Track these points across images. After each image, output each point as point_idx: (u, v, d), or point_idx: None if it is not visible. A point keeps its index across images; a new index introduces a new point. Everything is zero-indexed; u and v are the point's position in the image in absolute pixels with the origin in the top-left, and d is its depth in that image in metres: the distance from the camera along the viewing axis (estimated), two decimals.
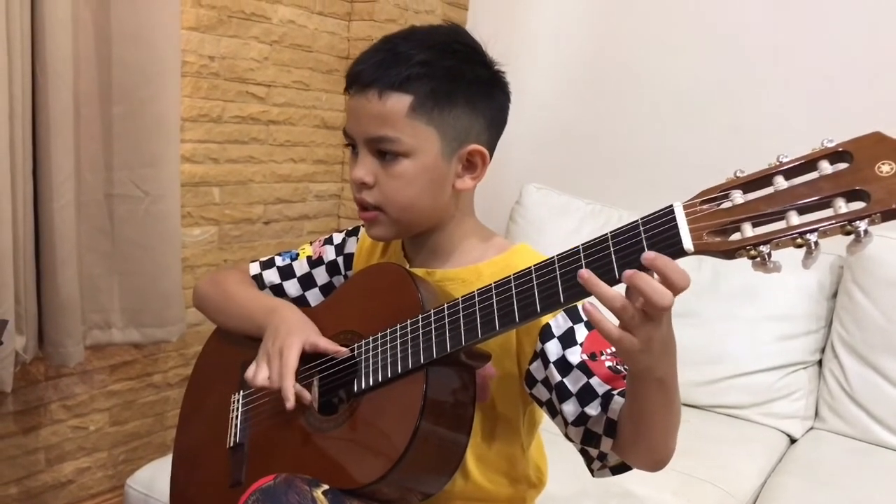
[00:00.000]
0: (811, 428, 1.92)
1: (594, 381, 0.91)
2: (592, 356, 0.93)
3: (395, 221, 1.00)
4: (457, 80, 0.96)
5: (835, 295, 1.93)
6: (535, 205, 2.26)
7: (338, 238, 1.20)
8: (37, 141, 1.49)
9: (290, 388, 0.95)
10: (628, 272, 0.73)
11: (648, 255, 0.73)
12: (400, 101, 0.94)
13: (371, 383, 0.94)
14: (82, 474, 1.87)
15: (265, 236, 2.15)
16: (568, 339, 0.94)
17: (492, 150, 1.04)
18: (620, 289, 0.76)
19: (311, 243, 1.23)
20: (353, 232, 1.19)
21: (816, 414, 1.93)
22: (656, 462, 0.91)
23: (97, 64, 1.57)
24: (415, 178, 0.97)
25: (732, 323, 1.93)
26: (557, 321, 0.95)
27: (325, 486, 0.87)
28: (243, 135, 2.03)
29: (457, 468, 0.94)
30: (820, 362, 1.96)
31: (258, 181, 2.10)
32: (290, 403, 0.95)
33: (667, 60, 2.28)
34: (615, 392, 0.90)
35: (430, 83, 0.94)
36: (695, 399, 1.93)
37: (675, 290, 0.73)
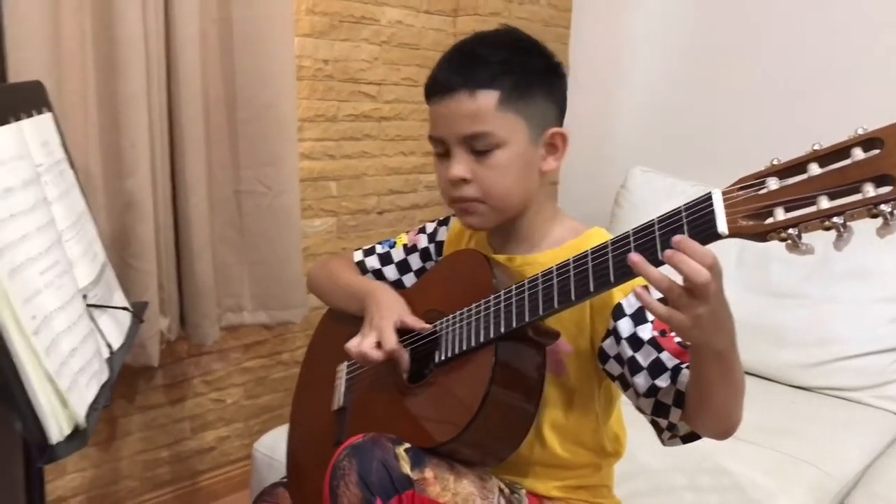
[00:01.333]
0: None
1: (664, 355, 0.98)
2: (662, 333, 1.00)
3: (494, 209, 1.08)
4: (532, 73, 1.06)
5: None
6: (639, 188, 2.29)
7: (430, 227, 1.31)
8: (173, 146, 1.69)
9: (401, 354, 1.08)
10: (668, 252, 0.80)
11: (675, 238, 0.79)
12: (489, 97, 1.03)
13: (449, 355, 1.04)
14: (222, 442, 2.09)
15: (379, 225, 2.30)
16: (639, 317, 1.01)
17: None
18: (669, 272, 0.82)
19: (406, 232, 1.35)
20: (444, 221, 1.30)
21: None
22: (723, 431, 0.96)
23: (222, 75, 1.75)
24: (510, 166, 1.06)
25: (840, 304, 1.90)
26: (629, 300, 1.02)
27: (407, 445, 0.98)
28: (357, 132, 2.18)
29: (526, 434, 1.03)
30: None
31: (371, 174, 2.25)
32: (404, 363, 1.08)
33: (772, 40, 2.25)
34: (684, 366, 0.96)
35: (511, 77, 1.03)
36: (802, 380, 1.92)
37: (707, 266, 0.78)
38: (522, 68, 1.05)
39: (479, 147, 1.04)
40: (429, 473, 0.97)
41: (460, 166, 1.05)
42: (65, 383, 0.85)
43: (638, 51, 2.54)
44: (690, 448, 1.50)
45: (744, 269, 2.00)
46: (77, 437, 0.85)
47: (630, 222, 2.23)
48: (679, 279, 0.80)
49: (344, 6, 2.07)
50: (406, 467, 0.96)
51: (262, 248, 1.87)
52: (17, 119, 0.97)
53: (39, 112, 1.07)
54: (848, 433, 1.72)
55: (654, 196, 2.24)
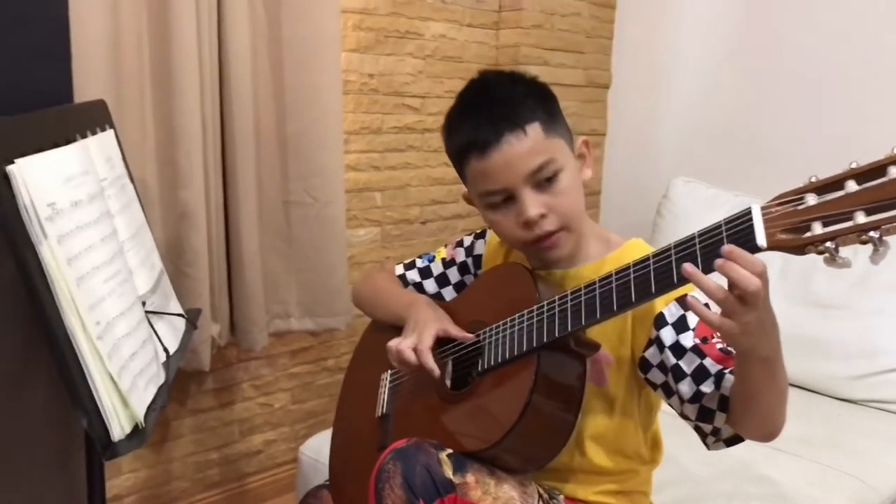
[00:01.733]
0: None
1: (707, 361, 1.00)
2: (704, 339, 1.02)
3: (573, 232, 1.10)
4: (543, 97, 1.10)
5: None
6: (681, 198, 2.29)
7: (467, 241, 1.34)
8: (225, 158, 1.75)
9: (429, 358, 1.10)
10: (719, 262, 0.82)
11: (725, 248, 0.82)
12: (535, 130, 1.06)
13: (492, 363, 1.08)
14: (269, 445, 2.15)
15: (422, 235, 2.34)
16: (681, 325, 1.03)
17: None
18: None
19: (445, 246, 1.38)
20: (481, 235, 1.33)
21: None
22: (768, 433, 0.99)
23: (272, 90, 1.81)
24: (573, 184, 1.09)
25: (886, 317, 1.88)
26: (670, 309, 1.04)
27: (450, 450, 1.02)
28: (401, 143, 2.22)
29: (566, 442, 1.05)
30: None
31: (415, 185, 2.29)
32: (435, 373, 1.09)
33: (816, 49, 2.24)
34: (727, 371, 0.99)
35: (539, 106, 1.07)
36: (847, 393, 1.90)
37: (757, 274, 0.80)
38: (536, 96, 1.09)
39: (545, 178, 1.06)
40: (470, 478, 1.00)
41: (535, 204, 1.05)
42: (125, 385, 0.90)
43: (681, 61, 2.54)
44: (735, 457, 1.51)
45: (788, 281, 2.00)
46: (136, 435, 0.90)
47: (672, 233, 2.25)
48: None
49: (389, 22, 2.12)
50: (448, 471, 0.99)
51: (308, 256, 1.93)
52: (84, 137, 1.03)
53: (103, 129, 1.14)
54: (892, 446, 1.70)
55: (697, 206, 2.25)
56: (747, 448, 1.51)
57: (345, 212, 1.99)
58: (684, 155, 2.53)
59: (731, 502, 1.40)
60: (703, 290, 0.83)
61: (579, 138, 1.13)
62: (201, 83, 1.64)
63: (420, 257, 1.39)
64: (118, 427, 0.88)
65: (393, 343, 1.15)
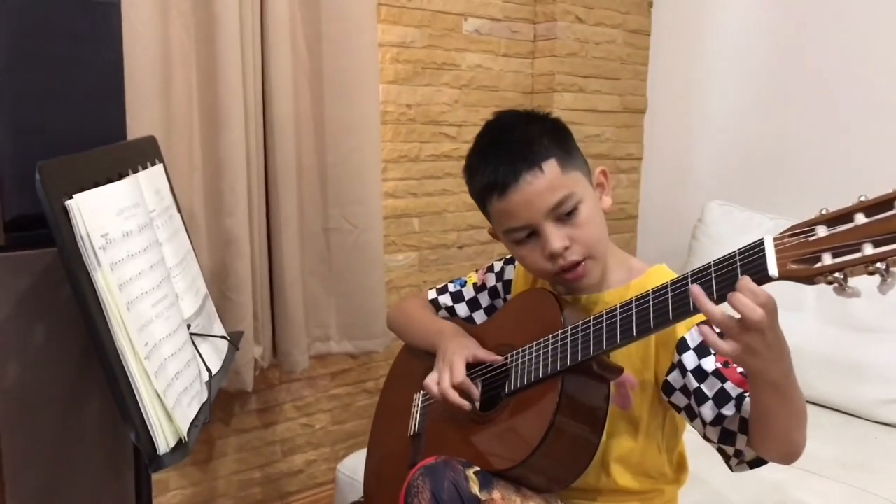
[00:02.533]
0: None
1: (728, 385, 1.03)
2: (725, 364, 1.05)
3: (598, 260, 1.15)
4: (557, 132, 1.16)
5: None
6: (716, 222, 2.31)
7: (497, 266, 1.39)
8: (268, 187, 1.83)
9: (457, 397, 1.15)
10: (730, 294, 0.86)
11: (740, 281, 0.86)
12: (552, 167, 1.11)
13: (519, 385, 1.12)
14: (310, 465, 2.21)
15: (459, 259, 2.39)
16: (702, 350, 1.06)
17: None
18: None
19: (476, 271, 1.43)
20: (511, 260, 1.38)
21: None
22: (785, 454, 1.01)
23: (313, 122, 1.89)
24: (594, 214, 1.14)
25: None
26: (692, 335, 1.08)
27: (477, 468, 1.06)
28: (438, 171, 2.29)
29: (589, 463, 1.09)
30: None
31: (452, 211, 2.35)
32: (466, 406, 1.15)
33: (850, 72, 2.24)
34: (747, 394, 1.01)
35: (554, 143, 1.13)
36: (884, 416, 1.89)
37: (760, 304, 0.84)
38: (551, 133, 1.15)
39: (565, 212, 1.11)
40: (496, 494, 1.04)
41: (557, 237, 1.11)
42: (170, 401, 0.97)
43: (716, 85, 2.57)
44: (767, 480, 1.53)
45: (824, 303, 1.99)
46: (180, 448, 0.96)
47: (707, 256, 2.25)
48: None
49: (426, 54, 2.19)
50: (475, 488, 1.03)
51: (347, 281, 1.99)
52: (135, 171, 1.11)
53: (153, 164, 1.22)
54: None
55: (732, 229, 2.26)
56: (779, 470, 1.52)
57: (382, 238, 2.05)
58: (720, 178, 2.55)
59: None
60: (705, 314, 0.88)
61: (597, 168, 1.18)
62: (245, 118, 1.72)
63: (452, 282, 1.44)
64: (163, 441, 0.95)
65: (430, 381, 1.20)
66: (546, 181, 1.10)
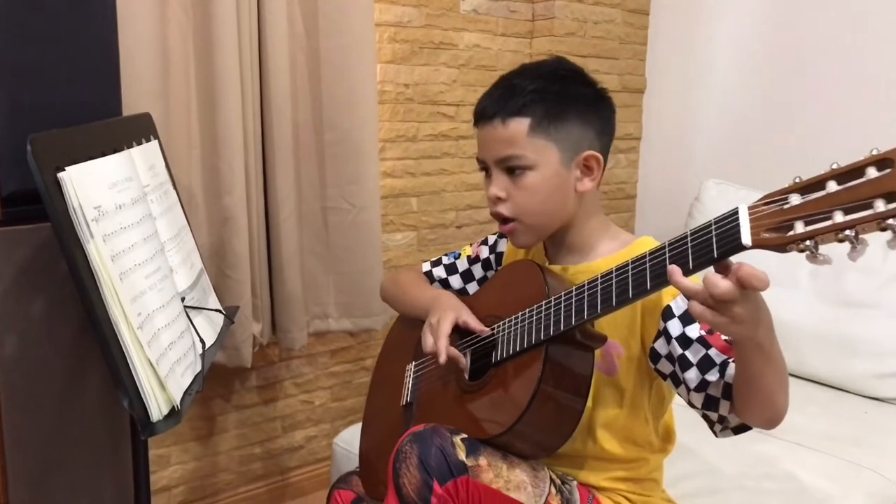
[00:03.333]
0: None
1: (712, 351, 1.05)
2: (710, 331, 1.07)
3: (531, 227, 1.19)
4: (566, 100, 1.15)
5: None
6: (712, 200, 2.32)
7: (491, 240, 1.42)
8: (266, 166, 1.85)
9: (443, 348, 1.17)
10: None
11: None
12: (520, 125, 1.13)
13: (505, 355, 1.14)
14: (310, 441, 2.24)
15: (457, 239, 2.41)
16: (687, 318, 1.08)
17: (605, 154, 1.20)
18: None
19: (470, 244, 1.45)
20: (504, 234, 1.40)
21: None
22: (769, 418, 1.02)
23: (311, 100, 1.91)
24: (540, 186, 1.16)
25: None
26: (677, 302, 1.09)
27: (464, 435, 1.08)
28: (436, 150, 2.30)
29: (573, 429, 1.11)
30: None
31: (450, 190, 2.36)
32: (442, 359, 1.17)
33: (848, 52, 2.24)
34: (731, 360, 1.03)
35: (543, 106, 1.13)
36: (876, 391, 1.91)
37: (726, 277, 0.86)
38: (557, 96, 1.15)
39: (514, 167, 1.15)
40: (483, 461, 1.06)
41: (496, 186, 1.17)
42: (163, 370, 1.00)
43: (714, 65, 2.57)
44: (756, 452, 1.56)
45: (818, 279, 2.01)
46: (173, 416, 0.99)
47: None
48: None
49: (424, 33, 2.20)
50: (462, 454, 1.06)
51: (345, 260, 2.02)
52: (129, 147, 1.14)
53: (148, 140, 1.24)
54: None
55: (728, 208, 2.24)
56: (769, 443, 1.56)
57: (380, 217, 2.07)
58: (718, 158, 2.56)
59: (749, 495, 1.43)
60: (681, 291, 0.89)
61: (588, 152, 1.17)
62: (242, 96, 1.74)
63: (446, 255, 1.47)
64: (156, 408, 0.98)
65: (426, 342, 1.23)
66: (504, 134, 1.14)
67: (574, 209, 1.20)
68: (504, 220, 1.19)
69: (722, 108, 2.55)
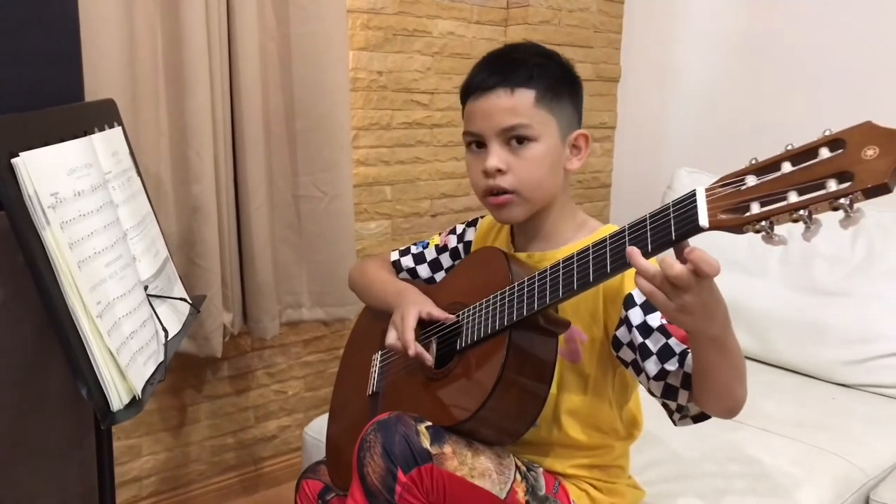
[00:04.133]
0: None
1: (672, 341, 1.06)
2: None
3: (527, 200, 1.17)
4: (562, 78, 1.17)
5: None
6: (685, 189, 2.26)
7: (459, 229, 1.41)
8: (236, 154, 1.83)
9: (410, 341, 1.17)
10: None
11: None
12: (527, 95, 1.13)
13: (470, 342, 1.14)
14: (283, 431, 2.24)
15: (432, 228, 2.40)
16: (649, 306, 1.08)
17: None
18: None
19: (439, 234, 1.45)
20: (472, 223, 1.40)
21: None
22: (726, 408, 1.03)
23: (281, 87, 1.89)
24: (543, 159, 1.15)
25: (884, 302, 1.90)
26: (639, 291, 1.09)
27: (429, 423, 1.08)
28: (410, 139, 2.29)
29: (537, 415, 1.11)
30: None
31: (424, 179, 2.36)
32: (412, 351, 1.16)
33: (822, 42, 2.26)
34: (690, 350, 1.03)
35: (547, 80, 1.14)
36: (843, 377, 1.93)
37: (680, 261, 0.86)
38: (555, 73, 1.16)
39: (519, 136, 1.14)
40: (447, 449, 1.07)
41: (496, 158, 1.15)
42: (124, 360, 0.99)
43: (689, 54, 2.58)
44: (723, 439, 1.57)
45: (787, 267, 2.02)
46: (134, 406, 0.98)
47: None
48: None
49: (397, 20, 2.19)
50: (426, 442, 1.06)
51: (318, 248, 2.01)
52: (90, 133, 1.12)
53: (111, 126, 1.22)
54: (884, 429, 1.71)
55: None
56: (736, 430, 1.58)
57: (353, 205, 2.06)
58: (692, 147, 2.57)
59: (714, 480, 1.44)
60: (637, 270, 0.89)
61: (578, 131, 1.19)
62: (212, 83, 1.72)
63: (415, 244, 1.46)
64: (116, 398, 0.97)
65: (390, 339, 1.22)
66: (511, 102, 1.13)
67: (560, 189, 1.20)
68: (500, 192, 1.16)
69: (696, 98, 2.57)
